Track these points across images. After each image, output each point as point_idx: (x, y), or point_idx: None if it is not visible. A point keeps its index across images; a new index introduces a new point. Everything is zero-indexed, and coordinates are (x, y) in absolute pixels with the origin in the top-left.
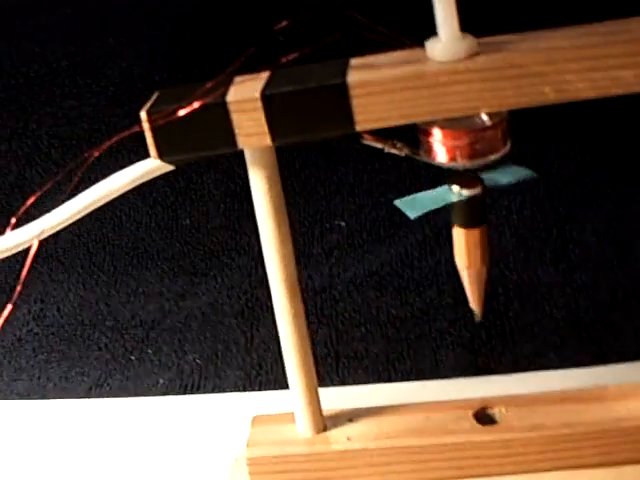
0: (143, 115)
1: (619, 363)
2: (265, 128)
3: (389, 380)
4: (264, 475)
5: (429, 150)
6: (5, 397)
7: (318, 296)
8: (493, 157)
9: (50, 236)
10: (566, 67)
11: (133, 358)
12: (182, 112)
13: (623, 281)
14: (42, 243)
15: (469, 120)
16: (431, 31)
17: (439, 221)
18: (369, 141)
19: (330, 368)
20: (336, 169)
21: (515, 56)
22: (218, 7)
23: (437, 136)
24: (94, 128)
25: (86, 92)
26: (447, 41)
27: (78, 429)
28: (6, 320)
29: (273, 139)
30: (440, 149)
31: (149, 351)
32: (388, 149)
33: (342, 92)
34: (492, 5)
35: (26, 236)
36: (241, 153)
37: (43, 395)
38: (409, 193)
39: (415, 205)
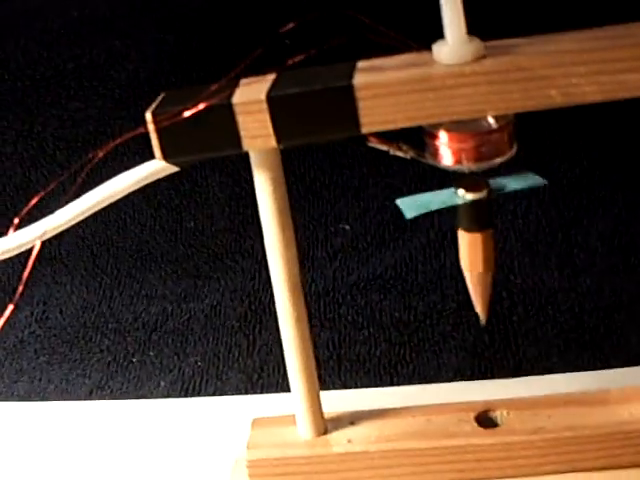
0: (148, 116)
1: (623, 367)
2: (270, 130)
3: (392, 384)
4: (264, 477)
5: (435, 153)
6: (6, 399)
7: (321, 299)
8: (499, 160)
9: (54, 238)
10: (573, 70)
11: (135, 360)
12: (187, 113)
13: (628, 286)
14: (45, 245)
15: (475, 123)
16: (438, 34)
17: (444, 225)
18: (374, 143)
19: (332, 371)
20: (341, 173)
21: (522, 59)
22: (224, 10)
23: (443, 139)
24: (100, 130)
25: (92, 94)
26: (454, 44)
27: (79, 431)
28: (8, 322)
29: (278, 141)
30: (446, 152)
31: (151, 354)
32: (393, 151)
33: (348, 94)
34: (499, 8)
35: (29, 237)
36: (246, 156)
37: (44, 397)
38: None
39: (415, 205)
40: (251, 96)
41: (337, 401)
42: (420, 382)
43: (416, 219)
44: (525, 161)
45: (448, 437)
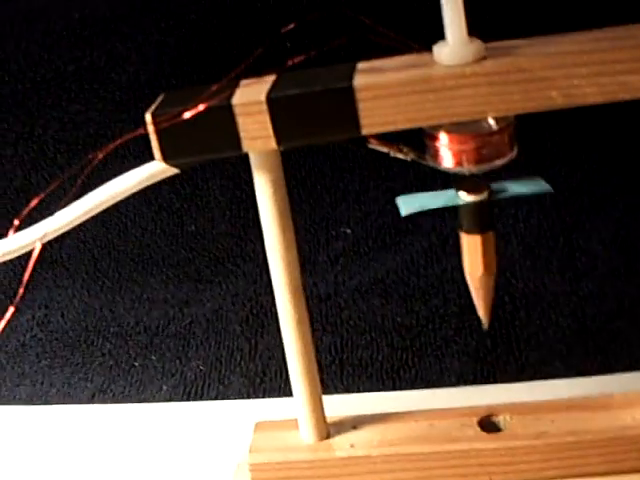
0: (148, 117)
1: (625, 372)
2: (270, 131)
3: (394, 388)
4: None
5: (435, 155)
6: (8, 402)
7: (323, 303)
8: (500, 162)
9: (55, 241)
10: (574, 72)
11: (137, 364)
12: (187, 114)
13: (630, 290)
14: (47, 249)
15: (476, 125)
16: (438, 35)
17: (445, 229)
18: (375, 145)
19: (335, 376)
20: (342, 176)
21: (522, 60)
22: (226, 13)
23: (443, 140)
24: (100, 133)
25: (92, 97)
26: (454, 45)
27: (81, 435)
28: (10, 325)
29: (278, 142)
30: (446, 154)
31: (153, 357)
32: (394, 153)
33: (348, 95)
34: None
35: (29, 239)
36: (247, 159)
37: (46, 401)
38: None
39: (413, 204)
40: (251, 97)
41: (339, 405)
42: (423, 387)
43: (418, 223)
44: (526, 164)
45: (451, 442)
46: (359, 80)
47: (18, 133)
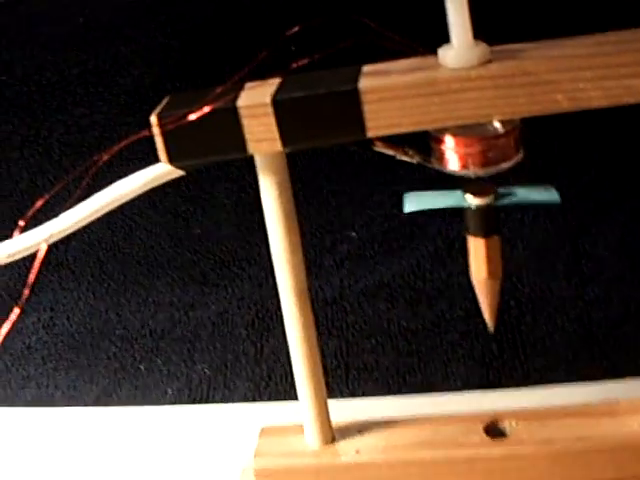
0: (153, 119)
1: (631, 378)
2: (276, 134)
3: (399, 393)
4: None
5: (441, 157)
6: (13, 404)
7: (329, 307)
8: (505, 165)
9: (60, 244)
10: (579, 75)
11: (142, 367)
12: (192, 116)
13: (636, 295)
14: (52, 251)
15: (481, 128)
16: (444, 38)
17: (452, 233)
18: (380, 148)
19: (340, 380)
20: (348, 180)
21: (528, 64)
22: (231, 16)
23: (449, 143)
24: (105, 136)
25: (98, 100)
26: (460, 48)
27: (86, 438)
28: (15, 328)
29: (284, 145)
30: (452, 156)
31: (158, 361)
32: (399, 156)
33: (353, 98)
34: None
35: (34, 240)
36: (253, 162)
37: (51, 403)
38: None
39: (419, 202)
40: (256, 99)
41: (345, 410)
42: (428, 391)
43: (424, 226)
44: (532, 169)
45: (456, 447)
46: (364, 83)
47: (23, 136)
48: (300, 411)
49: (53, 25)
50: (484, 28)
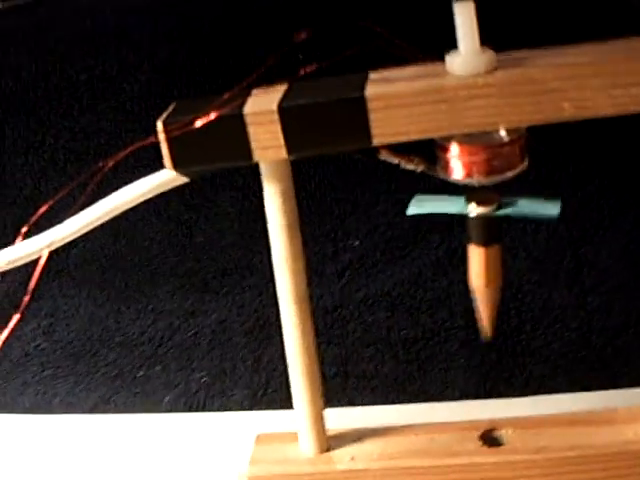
0: (159, 125)
1: (630, 387)
2: (281, 141)
3: (398, 401)
4: None
5: (445, 166)
6: (11, 411)
7: (329, 315)
8: (510, 174)
9: (62, 251)
10: (586, 83)
11: (140, 375)
12: (198, 123)
13: (636, 305)
14: (54, 258)
15: (487, 136)
16: (450, 45)
17: (453, 242)
18: (385, 156)
19: (339, 388)
20: (351, 189)
21: (534, 71)
22: (238, 24)
23: (454, 151)
24: (111, 143)
25: (104, 106)
26: (467, 55)
27: (83, 445)
28: (15, 334)
29: (289, 152)
30: (457, 165)
31: (156, 368)
32: (404, 164)
33: (359, 105)
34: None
35: (36, 246)
36: (257, 171)
37: (49, 410)
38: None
39: (423, 205)
40: (262, 106)
41: (343, 418)
42: (427, 400)
43: (426, 236)
44: (536, 178)
45: (451, 455)
46: (371, 90)
47: (29, 142)
48: (296, 419)
49: (60, 31)
50: (490, 34)
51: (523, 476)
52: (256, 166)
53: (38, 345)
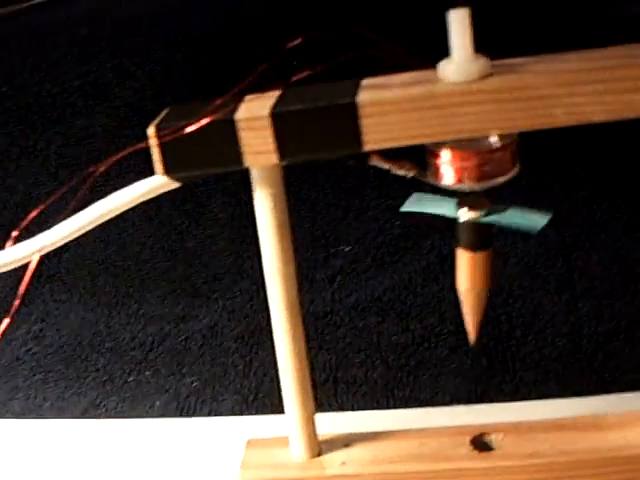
0: (151, 130)
1: (621, 393)
2: (273, 146)
3: (388, 407)
4: None
5: (436, 172)
6: (1, 416)
7: (319, 321)
8: (501, 179)
9: (53, 255)
10: (578, 90)
11: (131, 380)
12: (190, 128)
13: (627, 311)
14: (45, 262)
15: (478, 142)
16: (443, 52)
17: (444, 248)
18: (376, 162)
19: (329, 393)
20: (342, 194)
21: (527, 78)
22: (232, 29)
23: (445, 157)
24: (104, 149)
25: (97, 112)
26: (460, 61)
27: (73, 449)
28: (5, 339)
29: (280, 158)
30: (448, 170)
31: (147, 373)
32: (395, 170)
33: (351, 111)
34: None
35: (26, 251)
36: (249, 176)
37: (39, 415)
38: (415, 219)
39: (418, 204)
40: (254, 112)
41: (333, 423)
42: (417, 406)
43: (417, 241)
44: (527, 184)
45: (442, 460)
46: (362, 96)
47: (21, 147)
48: (286, 424)
49: (54, 37)
50: (483, 41)
51: None
52: (248, 171)
53: (29, 349)
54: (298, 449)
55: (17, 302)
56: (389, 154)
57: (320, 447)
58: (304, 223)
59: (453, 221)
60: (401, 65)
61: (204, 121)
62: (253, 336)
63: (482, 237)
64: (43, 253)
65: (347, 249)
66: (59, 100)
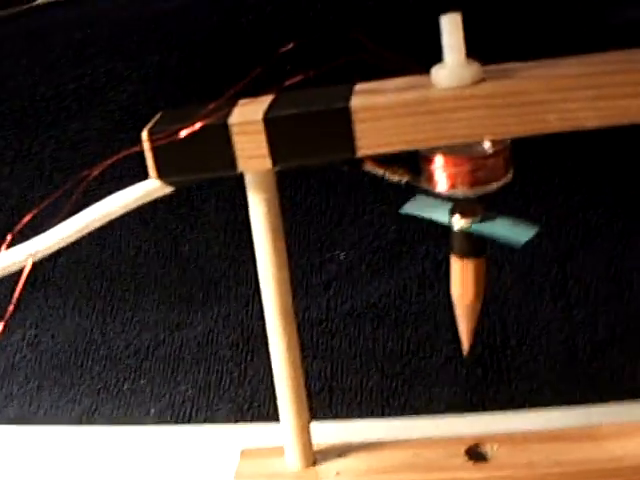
0: (144, 134)
1: (615, 402)
2: (266, 151)
3: (383, 415)
4: None
5: (430, 177)
6: None
7: (314, 328)
8: (495, 185)
9: (47, 261)
10: (571, 95)
11: (125, 387)
12: (183, 133)
13: (622, 319)
14: (39, 268)
15: (471, 148)
16: (436, 57)
17: (439, 255)
18: (370, 167)
19: (324, 402)
20: (337, 200)
21: (520, 83)
22: (227, 34)
23: (438, 163)
24: (98, 152)
25: (92, 116)
26: (453, 67)
27: (68, 456)
28: None
29: (274, 162)
30: (441, 176)
31: (142, 381)
32: (389, 175)
33: (344, 116)
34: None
35: (20, 256)
36: (243, 181)
37: (33, 421)
38: (410, 225)
39: (417, 207)
40: (248, 117)
41: (328, 432)
42: (412, 414)
43: (412, 248)
44: (521, 191)
45: (437, 471)
46: (356, 101)
47: (16, 151)
48: (281, 433)
49: (48, 41)
50: (477, 47)
51: None
52: (242, 176)
53: (23, 356)
54: (293, 458)
55: (11, 308)
56: (383, 160)
57: (315, 457)
58: (299, 228)
59: (448, 227)
60: (394, 70)
61: (198, 125)
62: (248, 344)
63: (475, 245)
64: (37, 258)
65: (342, 256)
66: (53, 104)
